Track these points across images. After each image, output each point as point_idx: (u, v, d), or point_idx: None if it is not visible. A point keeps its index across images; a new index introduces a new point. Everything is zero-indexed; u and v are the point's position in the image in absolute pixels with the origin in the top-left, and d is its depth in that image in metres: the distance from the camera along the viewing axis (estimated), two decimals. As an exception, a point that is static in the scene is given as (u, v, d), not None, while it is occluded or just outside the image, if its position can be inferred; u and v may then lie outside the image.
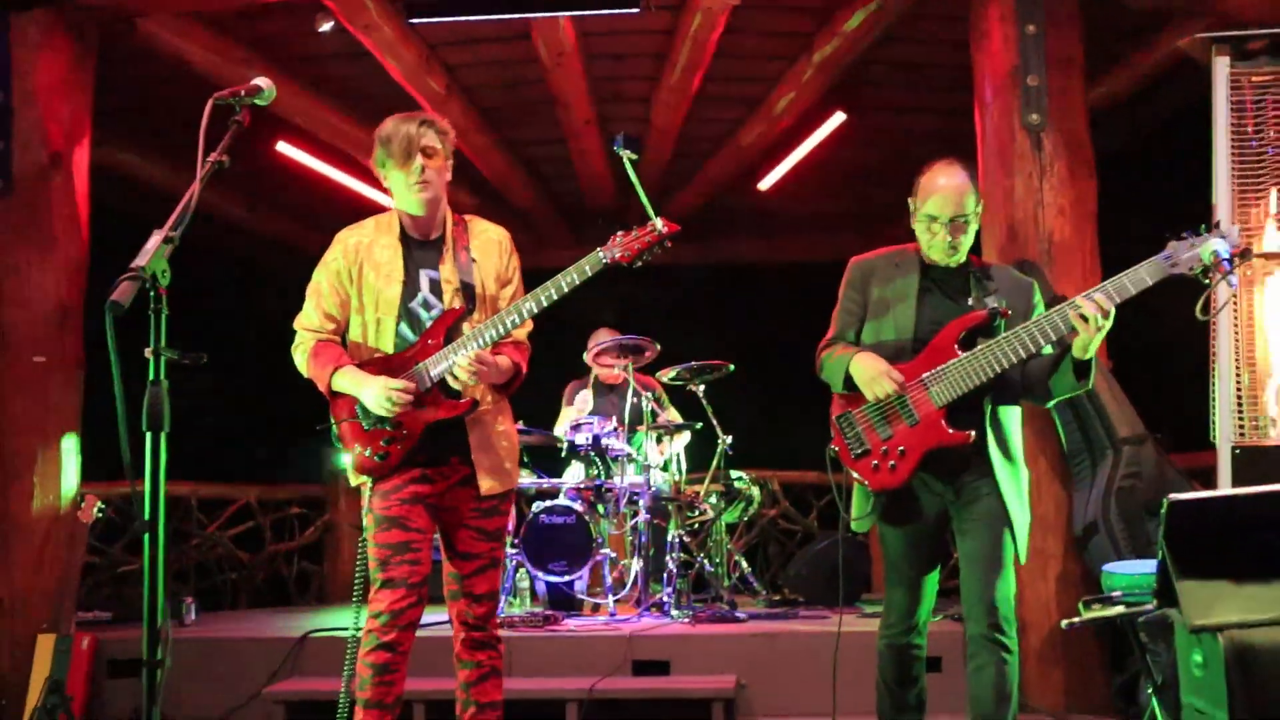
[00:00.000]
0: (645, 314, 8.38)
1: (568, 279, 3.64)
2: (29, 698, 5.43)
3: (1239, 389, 4.78)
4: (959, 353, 3.69)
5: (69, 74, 6.20)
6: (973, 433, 3.67)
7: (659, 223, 3.66)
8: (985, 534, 3.76)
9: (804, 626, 6.01)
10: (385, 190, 3.87)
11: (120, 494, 7.63)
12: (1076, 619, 3.13)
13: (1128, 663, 5.15)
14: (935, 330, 3.78)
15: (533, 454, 7.41)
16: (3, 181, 5.98)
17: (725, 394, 7.35)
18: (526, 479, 7.09)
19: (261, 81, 2.87)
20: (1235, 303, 4.68)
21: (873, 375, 3.74)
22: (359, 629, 3.78)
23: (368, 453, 3.75)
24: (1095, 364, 3.64)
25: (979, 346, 3.69)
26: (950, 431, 3.68)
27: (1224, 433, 4.71)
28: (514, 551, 6.69)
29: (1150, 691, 3.21)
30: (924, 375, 3.73)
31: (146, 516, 2.41)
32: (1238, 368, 4.73)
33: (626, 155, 4.40)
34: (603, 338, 7.59)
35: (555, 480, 7.12)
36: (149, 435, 2.44)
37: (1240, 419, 4.74)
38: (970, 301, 3.83)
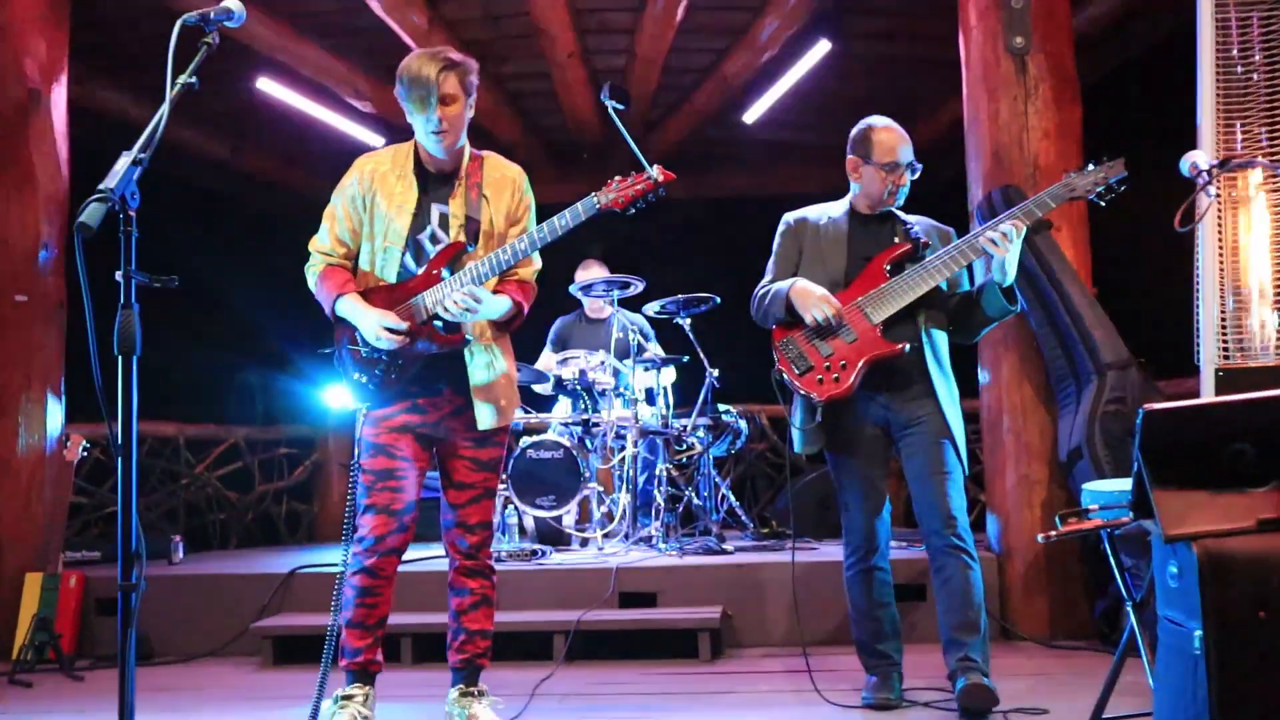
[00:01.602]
0: (631, 247, 8.31)
1: (561, 221, 3.64)
2: (18, 635, 5.45)
3: (1223, 312, 4.75)
4: (888, 278, 4.00)
5: (45, 9, 6.14)
6: (907, 345, 3.93)
7: (655, 171, 3.65)
8: (932, 449, 4.02)
9: (786, 558, 6.00)
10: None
11: (105, 434, 7.63)
12: (1053, 533, 3.13)
13: (1110, 589, 5.16)
14: (865, 265, 4.08)
15: (520, 390, 7.38)
16: (-21, 119, 5.94)
17: (712, 327, 7.31)
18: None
19: (231, 3, 2.81)
20: (1220, 225, 4.64)
21: (812, 300, 4.01)
22: (347, 557, 3.82)
23: (364, 379, 3.82)
24: (1017, 289, 3.97)
25: (906, 270, 3.99)
26: (886, 344, 3.94)
27: (1207, 355, 4.68)
28: (502, 487, 6.67)
29: (1129, 608, 3.22)
30: (858, 299, 4.01)
31: (120, 442, 2.37)
32: (1222, 291, 4.71)
33: (613, 106, 4.38)
34: (592, 272, 7.55)
35: (543, 415, 7.10)
36: (120, 360, 2.39)
37: (1224, 342, 4.72)
38: (896, 239, 4.14)
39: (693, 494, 7.17)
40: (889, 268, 4.03)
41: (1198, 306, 4.72)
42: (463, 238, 3.78)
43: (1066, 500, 5.49)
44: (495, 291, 3.79)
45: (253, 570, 6.20)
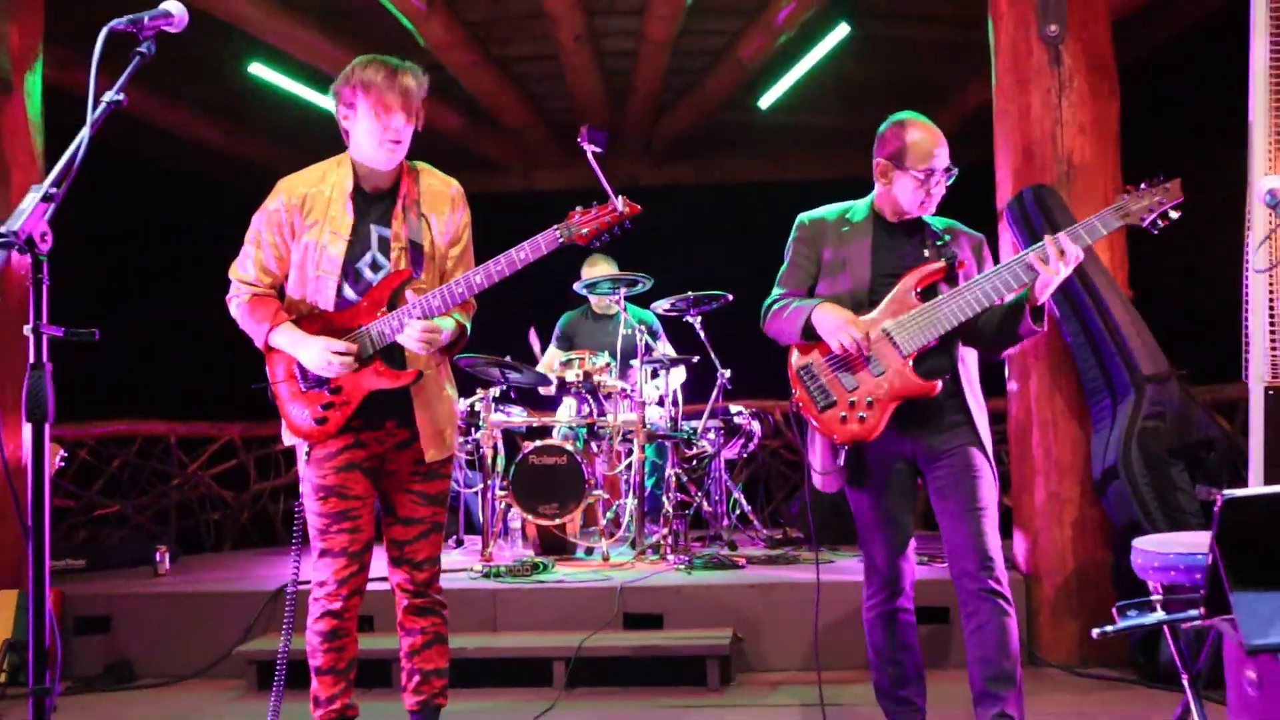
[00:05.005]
0: (640, 238, 7.94)
1: (520, 254, 3.42)
2: (-10, 658, 5.18)
3: (1273, 325, 4.39)
4: (918, 302, 3.58)
5: (17, -8, 5.82)
6: (940, 382, 3.54)
7: (619, 202, 3.47)
8: (967, 481, 3.60)
9: (803, 575, 5.68)
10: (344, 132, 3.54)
11: (83, 437, 7.36)
12: (1110, 627, 2.74)
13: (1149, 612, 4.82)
14: (891, 283, 3.64)
15: (521, 390, 7.07)
16: (-54, 109, 5.63)
17: (725, 321, 7.04)
18: (517, 418, 6.76)
19: (171, 6, 2.48)
20: (1273, 232, 4.26)
21: (838, 324, 3.59)
22: (293, 584, 3.70)
23: (305, 415, 3.54)
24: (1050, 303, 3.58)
25: (941, 295, 3.56)
26: (919, 381, 3.54)
27: (1256, 372, 4.33)
28: (504, 493, 6.39)
29: (1187, 683, 2.86)
30: (885, 324, 3.59)
31: (31, 521, 2.04)
32: (1272, 303, 4.34)
33: (591, 150, 4.09)
34: (598, 269, 7.21)
35: (546, 419, 6.78)
36: (30, 427, 2.07)
37: (1276, 356, 4.35)
38: (926, 254, 3.70)
39: (703, 500, 6.86)
40: (919, 291, 3.58)
41: (1247, 318, 4.36)
42: (404, 263, 3.53)
43: (1099, 520, 5.17)
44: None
45: (241, 585, 5.89)
